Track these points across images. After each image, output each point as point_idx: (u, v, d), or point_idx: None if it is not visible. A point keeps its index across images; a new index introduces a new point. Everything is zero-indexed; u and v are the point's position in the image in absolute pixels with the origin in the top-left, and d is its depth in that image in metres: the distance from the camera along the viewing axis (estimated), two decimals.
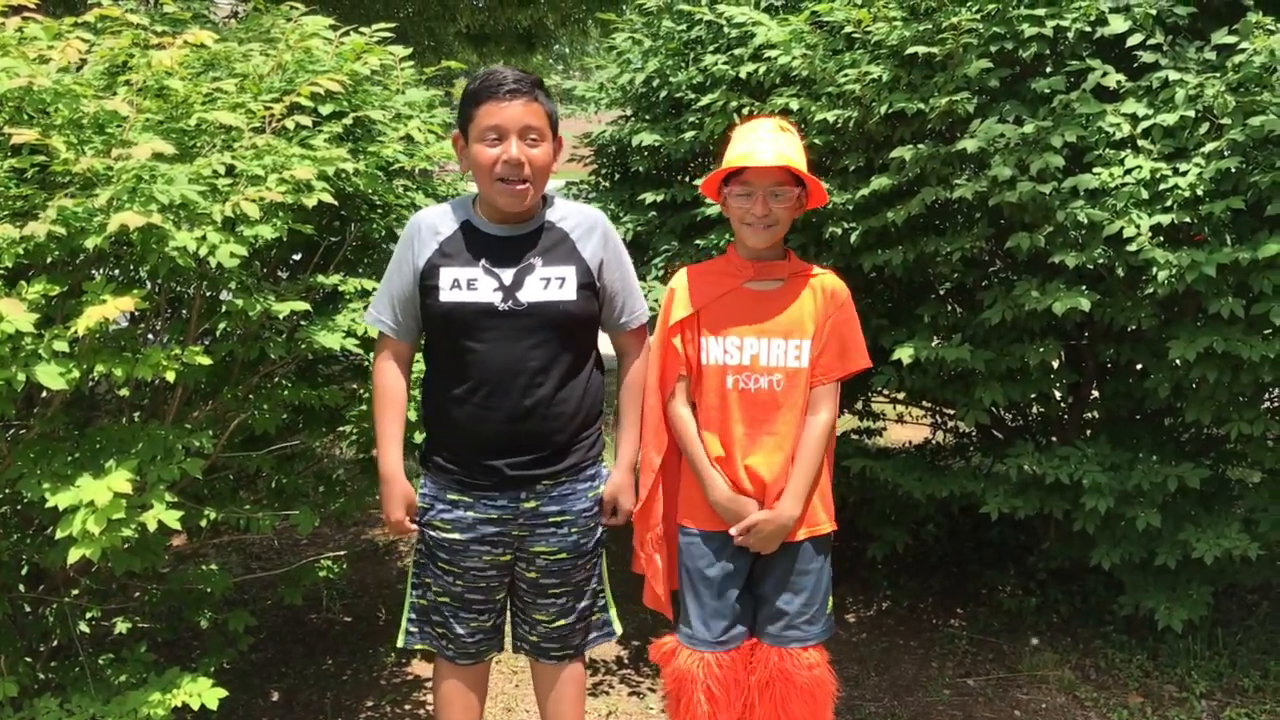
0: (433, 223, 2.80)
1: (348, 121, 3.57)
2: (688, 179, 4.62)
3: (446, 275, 2.73)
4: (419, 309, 2.80)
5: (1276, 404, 3.79)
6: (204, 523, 3.52)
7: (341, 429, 3.91)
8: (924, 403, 4.65)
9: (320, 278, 3.49)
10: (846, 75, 3.62)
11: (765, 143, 2.84)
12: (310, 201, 2.98)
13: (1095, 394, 4.20)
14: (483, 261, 2.72)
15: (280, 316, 3.04)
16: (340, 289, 3.50)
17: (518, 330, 2.71)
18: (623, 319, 2.93)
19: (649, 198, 4.41)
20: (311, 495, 3.98)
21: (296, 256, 3.95)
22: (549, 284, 2.72)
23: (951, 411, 5.17)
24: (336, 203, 3.16)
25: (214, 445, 3.10)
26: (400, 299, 2.82)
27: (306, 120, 3.12)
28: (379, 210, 3.99)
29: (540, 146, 2.69)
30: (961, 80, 3.51)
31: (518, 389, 2.73)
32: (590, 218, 2.85)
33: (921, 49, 3.51)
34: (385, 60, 3.76)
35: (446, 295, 2.72)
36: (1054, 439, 3.99)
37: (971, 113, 3.49)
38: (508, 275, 2.71)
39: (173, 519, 2.68)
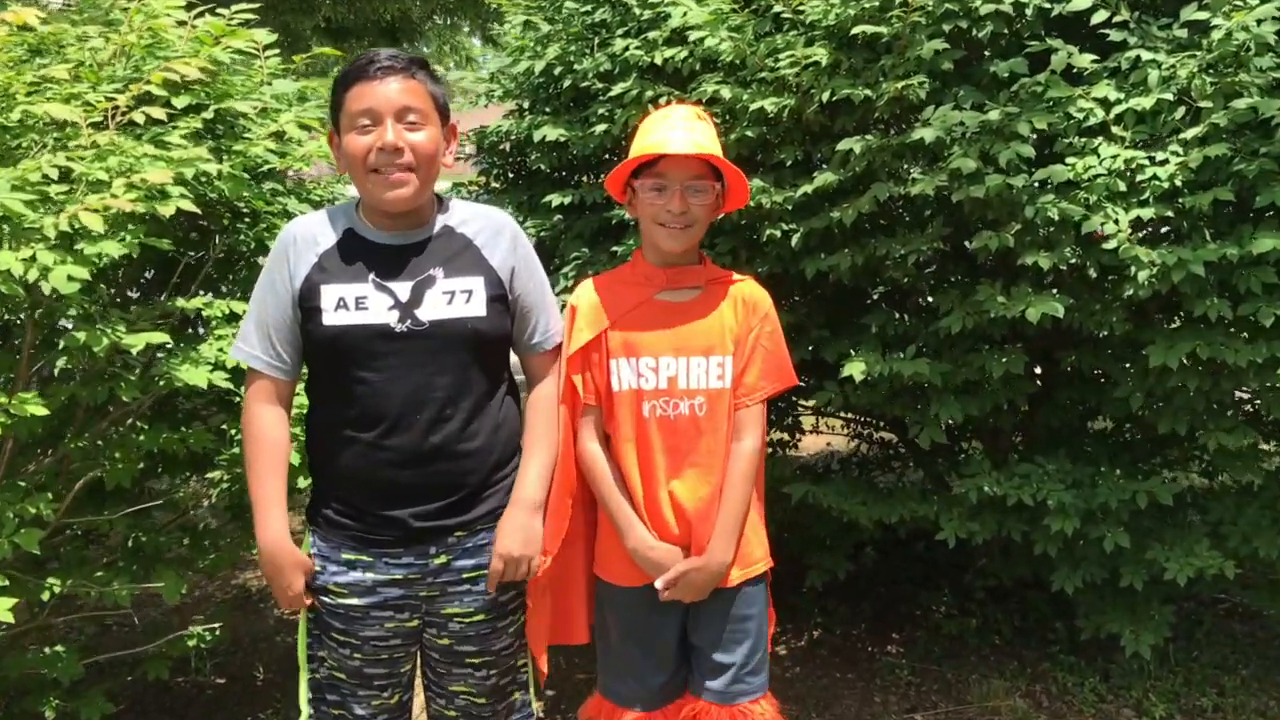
0: (309, 233, 2.40)
1: (208, 115, 3.02)
2: (597, 178, 4.18)
3: (330, 294, 2.34)
4: (298, 336, 2.39)
5: (1248, 411, 3.54)
6: (46, 596, 2.94)
7: (210, 474, 3.36)
8: (859, 416, 4.30)
9: (180, 301, 2.95)
10: (781, 60, 3.23)
11: (680, 130, 2.49)
12: (167, 210, 2.47)
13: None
14: (372, 276, 2.36)
15: (133, 351, 2.50)
16: (204, 313, 2.97)
17: (419, 354, 2.35)
18: (535, 338, 2.55)
19: (554, 200, 3.96)
20: (176, 550, 3.41)
21: (149, 274, 3.39)
22: (453, 298, 2.37)
23: (871, 419, 4.86)
24: (198, 210, 2.62)
25: (54, 510, 2.55)
26: (275, 326, 2.40)
27: (159, 113, 2.58)
28: (246, 219, 3.45)
29: (423, 130, 2.34)
30: (913, 63, 3.15)
31: (421, 424, 2.35)
32: (496, 220, 2.51)
33: (866, 28, 3.15)
34: (248, 46, 3.21)
35: (331, 318, 2.34)
36: (1008, 454, 3.67)
37: (924, 99, 3.14)
38: (403, 290, 2.35)
39: (3, 609, 2.13)
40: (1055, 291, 3.02)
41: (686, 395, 2.54)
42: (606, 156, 4.08)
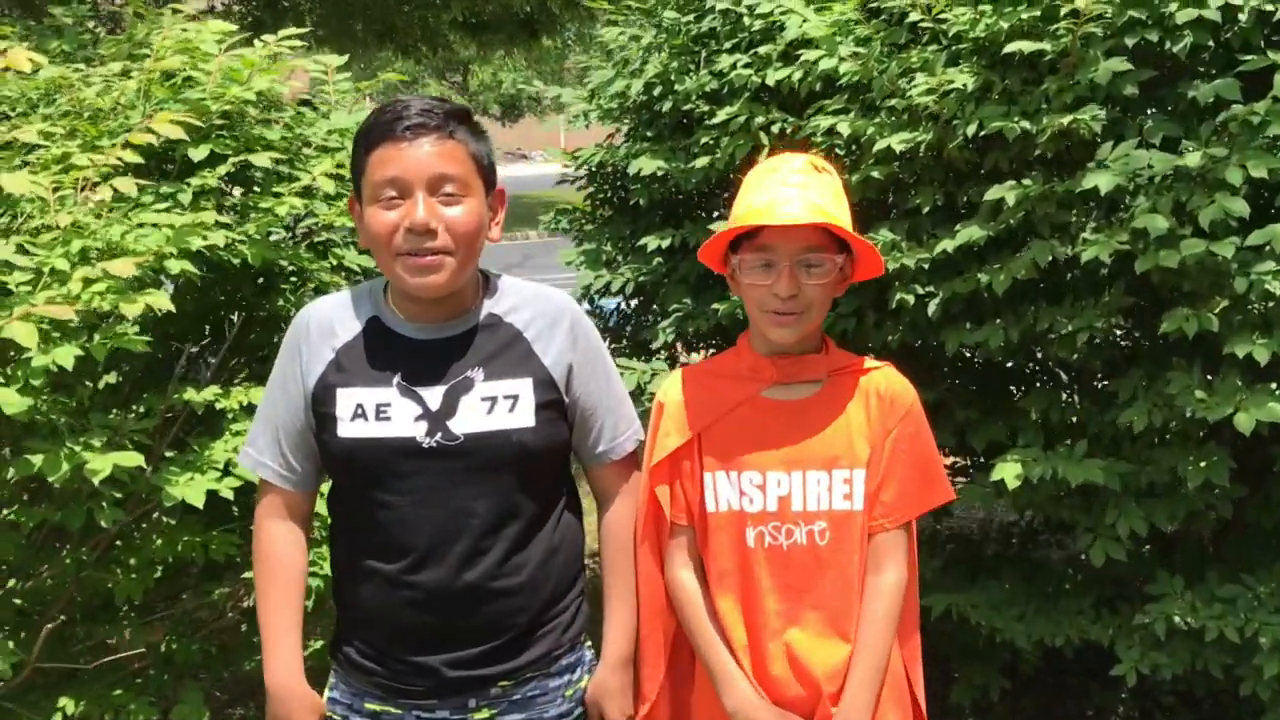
0: (325, 321, 2.02)
1: (223, 170, 2.57)
2: (702, 215, 3.60)
3: (347, 399, 1.97)
4: (314, 445, 2.02)
5: None
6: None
7: (248, 574, 2.93)
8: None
9: (189, 393, 2.50)
10: (916, 83, 2.58)
11: (792, 190, 1.96)
12: (132, 310, 2.01)
13: None
14: (398, 378, 1.96)
15: (95, 480, 2.06)
16: (219, 405, 2.52)
17: (451, 474, 1.96)
18: (601, 446, 2.12)
19: (652, 242, 3.39)
20: (200, 662, 3.00)
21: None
22: (495, 406, 1.97)
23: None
24: (170, 307, 2.16)
25: (13, 661, 2.14)
26: (287, 431, 2.04)
27: (128, 186, 2.12)
28: (292, 278, 3.00)
29: (462, 204, 1.91)
30: (1085, 88, 2.46)
31: (455, 558, 1.96)
32: (553, 306, 2.08)
33: (1024, 45, 2.47)
34: (271, 79, 2.75)
35: (348, 428, 1.96)
36: (1204, 569, 2.94)
37: (1099, 134, 2.45)
38: (434, 396, 1.96)
39: None
40: (1276, 387, 2.30)
41: (804, 520, 2.03)
42: (714, 191, 3.49)
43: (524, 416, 1.97)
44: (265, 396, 2.07)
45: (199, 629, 2.99)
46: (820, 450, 2.02)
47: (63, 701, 2.58)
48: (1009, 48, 2.48)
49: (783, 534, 2.03)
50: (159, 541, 2.62)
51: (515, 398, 1.97)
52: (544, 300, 2.06)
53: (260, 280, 2.98)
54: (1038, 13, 2.50)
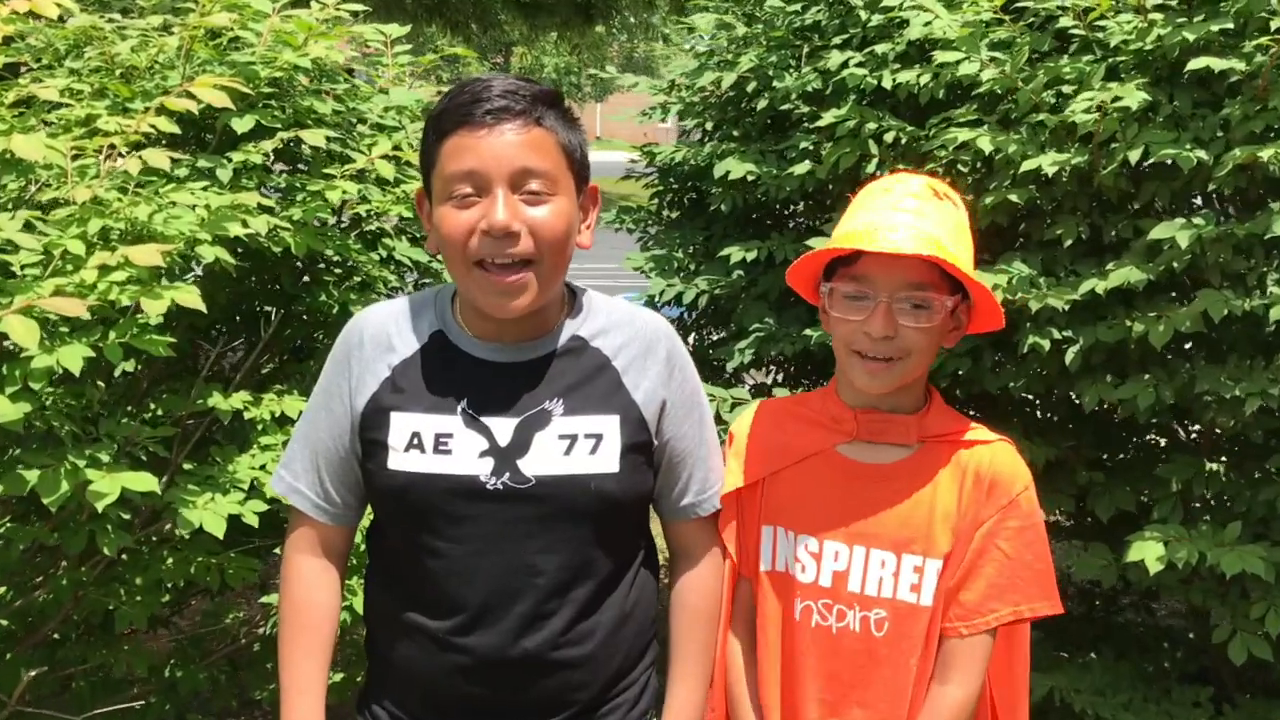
0: (381, 332, 1.72)
1: (268, 145, 2.25)
2: (791, 227, 3.25)
3: (401, 426, 1.67)
4: (358, 474, 1.72)
5: None
6: None
7: (266, 599, 2.62)
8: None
9: (216, 398, 2.17)
10: (1080, 100, 2.22)
11: (903, 215, 1.64)
12: (157, 307, 1.67)
13: None
14: (463, 405, 1.66)
15: (98, 506, 1.73)
16: (247, 414, 2.19)
17: (517, 523, 1.66)
18: (688, 499, 1.81)
19: (735, 254, 3.04)
20: (207, 695, 2.68)
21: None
22: (574, 445, 1.67)
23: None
24: (201, 308, 1.83)
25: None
26: (328, 457, 1.73)
27: (160, 159, 1.79)
28: (337, 270, 2.67)
29: (550, 203, 1.61)
30: (1275, 115, 2.10)
31: (513, 621, 1.67)
32: (649, 330, 1.77)
33: (1209, 61, 2.11)
34: (374, 38, 2.42)
35: (400, 460, 1.66)
36: None
37: None
38: (504, 429, 1.66)
39: None
40: None
41: (859, 604, 1.72)
42: (810, 202, 3.14)
43: (607, 460, 1.67)
44: (306, 413, 1.75)
45: (208, 653, 2.67)
46: (892, 528, 1.70)
47: None
48: (1193, 64, 2.12)
49: (833, 615, 1.73)
50: (169, 561, 2.31)
51: (599, 437, 1.67)
52: (638, 324, 1.75)
53: (301, 271, 2.65)
54: (1230, 25, 2.13)
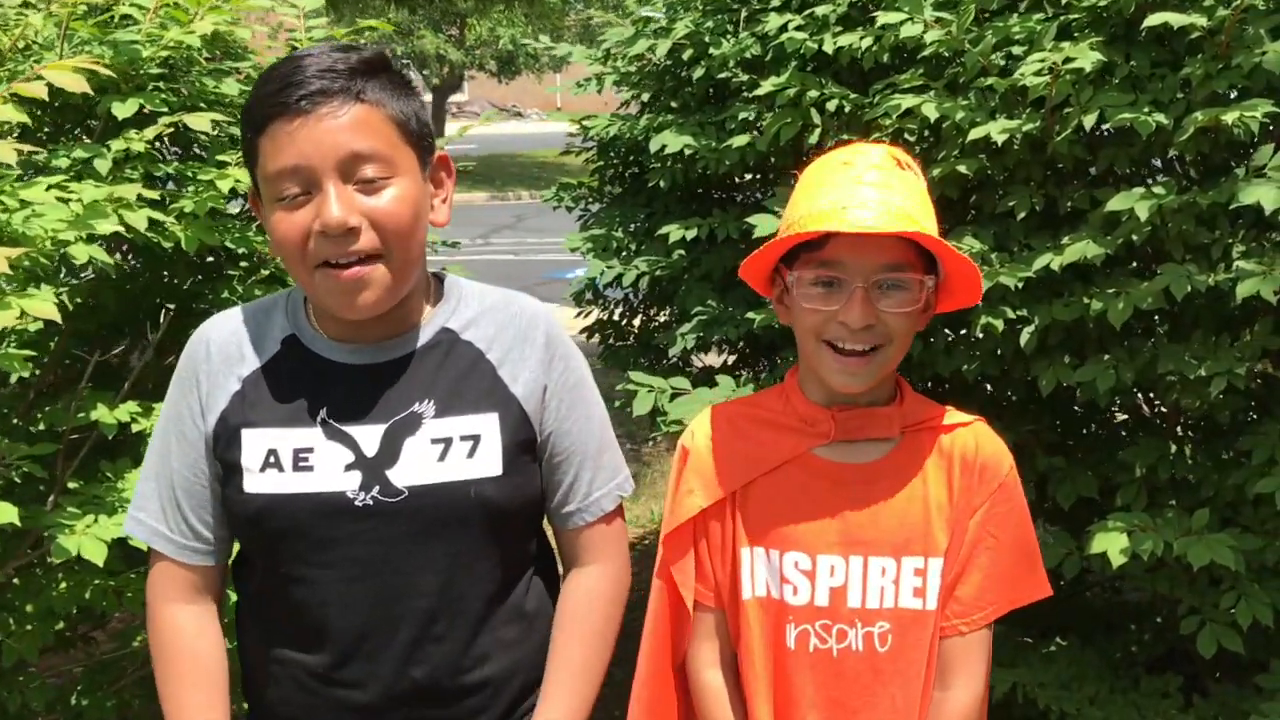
0: (230, 343, 1.57)
1: (156, 131, 2.06)
2: (737, 201, 3.08)
3: (255, 444, 1.52)
4: (220, 503, 1.56)
5: None
6: None
7: None
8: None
9: (100, 410, 1.99)
10: (1029, 61, 2.07)
11: (869, 190, 1.48)
12: (3, 318, 1.49)
13: None
14: (323, 414, 1.52)
15: None
16: (135, 426, 2.01)
17: (392, 541, 1.52)
18: (572, 504, 1.66)
19: (674, 233, 2.88)
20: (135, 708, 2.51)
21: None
22: (449, 450, 1.53)
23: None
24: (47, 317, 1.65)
25: None
26: (188, 489, 1.56)
27: (7, 152, 1.60)
28: (242, 264, 2.49)
29: (389, 186, 1.45)
30: (1238, 74, 1.96)
31: (397, 650, 1.54)
32: (524, 316, 1.64)
33: (1168, 17, 1.96)
34: (218, 20, 2.22)
35: (256, 482, 1.51)
36: None
37: (1255, 134, 1.94)
38: (370, 438, 1.52)
39: None
40: None
41: (861, 619, 1.58)
42: (751, 176, 2.97)
43: (488, 463, 1.53)
44: (154, 445, 1.58)
45: (117, 678, 2.50)
46: (889, 531, 1.56)
47: None
48: (1150, 20, 1.97)
49: (833, 636, 1.58)
50: (62, 586, 2.13)
51: (476, 438, 1.53)
52: (512, 310, 1.62)
53: (205, 266, 2.46)
54: None
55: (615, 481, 1.66)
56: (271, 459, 1.49)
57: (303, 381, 1.53)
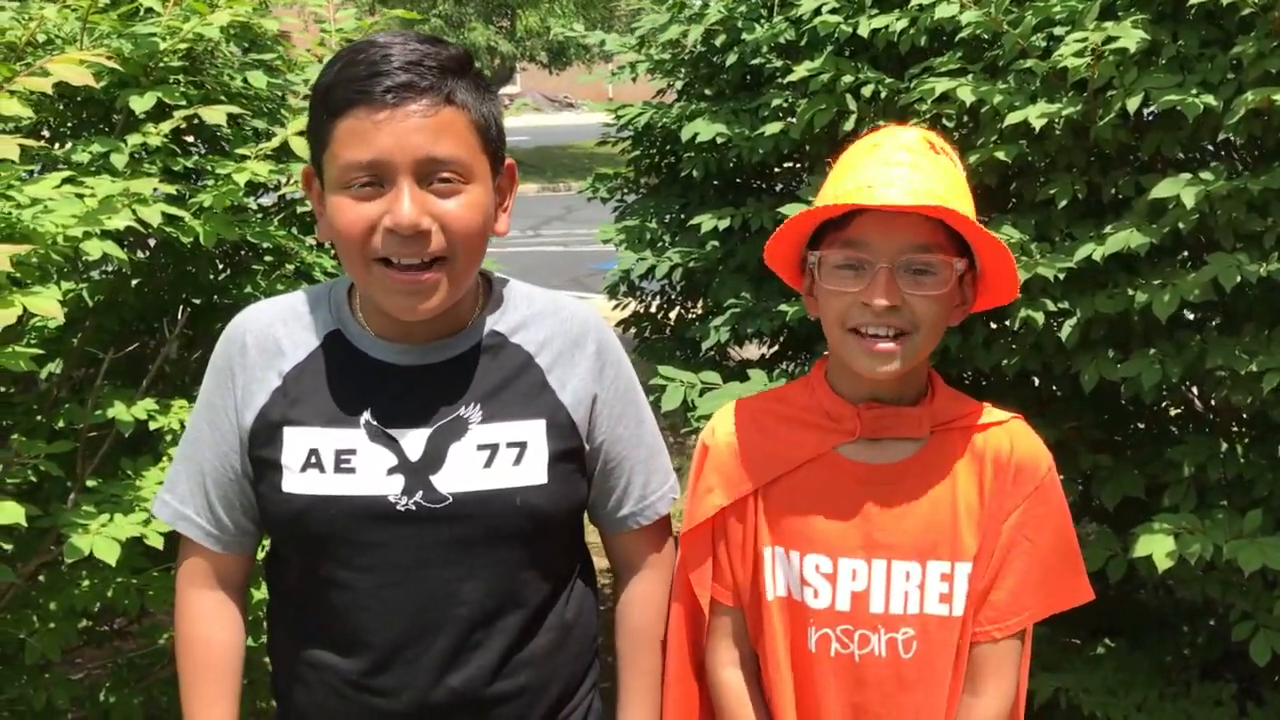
0: (269, 335, 1.55)
1: (172, 124, 2.04)
2: (774, 191, 3.01)
3: (297, 443, 1.50)
4: (251, 497, 1.55)
5: None
6: None
7: None
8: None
9: (117, 408, 1.98)
10: (1068, 42, 1.98)
11: (899, 170, 1.45)
12: (4, 316, 1.48)
13: None
14: (366, 415, 1.50)
15: None
16: (153, 424, 2.00)
17: (434, 547, 1.50)
18: (627, 508, 1.66)
19: (706, 222, 2.82)
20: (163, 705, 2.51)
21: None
22: (495, 456, 1.51)
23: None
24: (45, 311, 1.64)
25: None
26: (217, 479, 1.56)
27: (9, 147, 1.58)
28: (267, 258, 2.47)
29: (463, 194, 1.42)
30: None
31: (434, 658, 1.51)
32: (575, 322, 1.61)
33: None
34: (235, 13, 2.20)
35: (296, 481, 1.49)
36: None
37: None
38: (414, 442, 1.50)
39: None
40: None
41: (884, 625, 1.55)
42: (786, 164, 2.91)
43: (534, 471, 1.51)
44: (189, 431, 1.58)
45: (143, 676, 2.50)
46: (914, 534, 1.53)
47: None
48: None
49: (855, 641, 1.55)
50: (85, 584, 2.13)
51: (522, 445, 1.51)
52: (562, 315, 1.59)
53: (231, 260, 2.45)
54: None
55: (669, 484, 1.66)
56: (313, 459, 1.48)
57: (347, 380, 1.51)
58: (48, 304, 1.54)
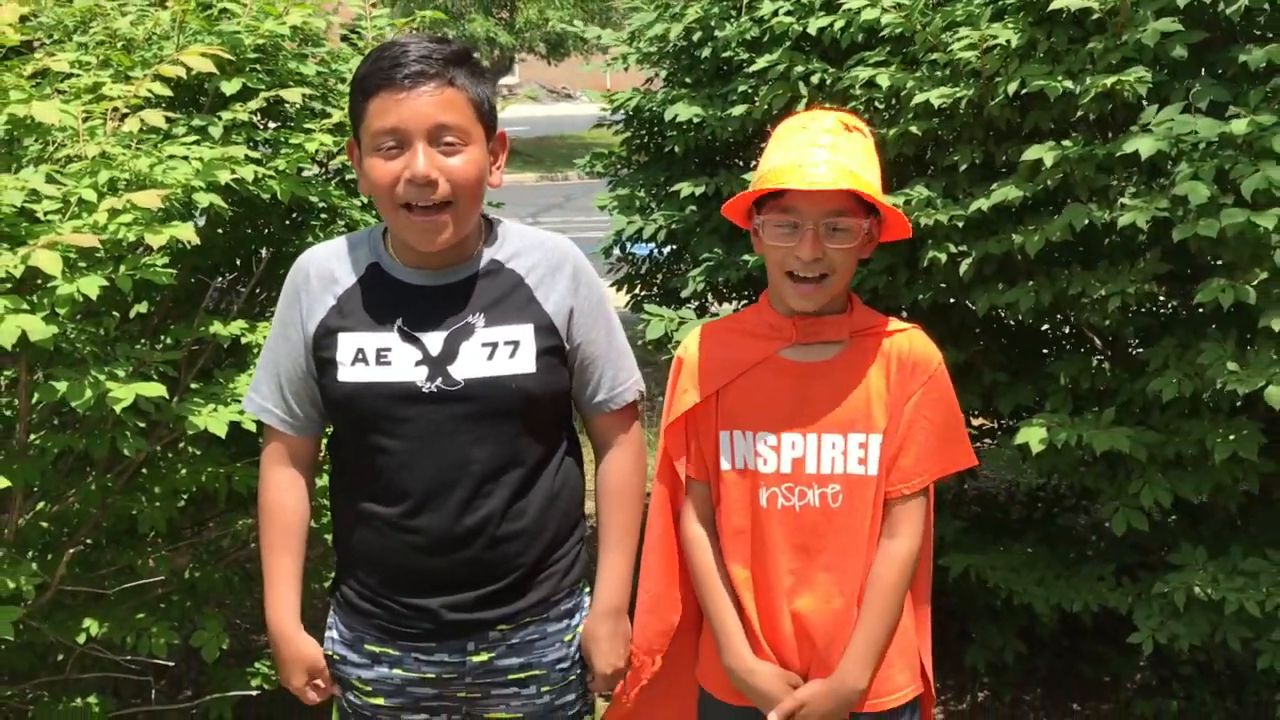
0: (325, 268, 2.02)
1: (253, 106, 2.57)
2: (738, 165, 3.55)
3: (347, 344, 1.98)
4: (315, 390, 2.03)
5: None
6: (82, 639, 2.61)
7: None
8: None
9: (216, 326, 2.52)
10: (960, 37, 2.52)
11: (820, 151, 1.91)
12: (157, 240, 2.01)
13: None
14: (399, 322, 1.97)
15: (116, 409, 2.08)
16: (244, 339, 2.53)
17: (452, 420, 1.96)
18: (600, 395, 2.11)
19: (685, 189, 3.36)
20: (222, 590, 3.04)
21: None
22: (495, 351, 1.97)
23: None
24: (196, 239, 2.17)
25: (38, 583, 2.18)
26: (289, 377, 2.04)
27: (157, 118, 2.12)
28: (322, 214, 3.00)
29: (463, 153, 1.89)
30: (1131, 48, 2.40)
31: (454, 504, 1.97)
32: (556, 252, 2.07)
33: (1072, 2, 2.40)
34: (306, 14, 2.73)
35: (348, 373, 1.97)
36: (1229, 542, 2.90)
37: (1144, 96, 2.39)
38: (435, 342, 1.97)
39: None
40: None
41: (817, 482, 2.01)
42: (751, 142, 3.44)
43: (525, 362, 1.97)
44: (268, 343, 2.07)
45: (222, 558, 3.04)
46: (837, 414, 1.99)
47: (87, 622, 2.62)
48: (1056, 3, 2.42)
49: (795, 495, 2.01)
50: (184, 471, 2.65)
51: (516, 343, 1.97)
52: (546, 246, 2.05)
53: (291, 216, 2.98)
54: None
55: (634, 379, 2.11)
56: (360, 355, 1.95)
57: (384, 298, 1.97)
58: (186, 231, 2.07)
